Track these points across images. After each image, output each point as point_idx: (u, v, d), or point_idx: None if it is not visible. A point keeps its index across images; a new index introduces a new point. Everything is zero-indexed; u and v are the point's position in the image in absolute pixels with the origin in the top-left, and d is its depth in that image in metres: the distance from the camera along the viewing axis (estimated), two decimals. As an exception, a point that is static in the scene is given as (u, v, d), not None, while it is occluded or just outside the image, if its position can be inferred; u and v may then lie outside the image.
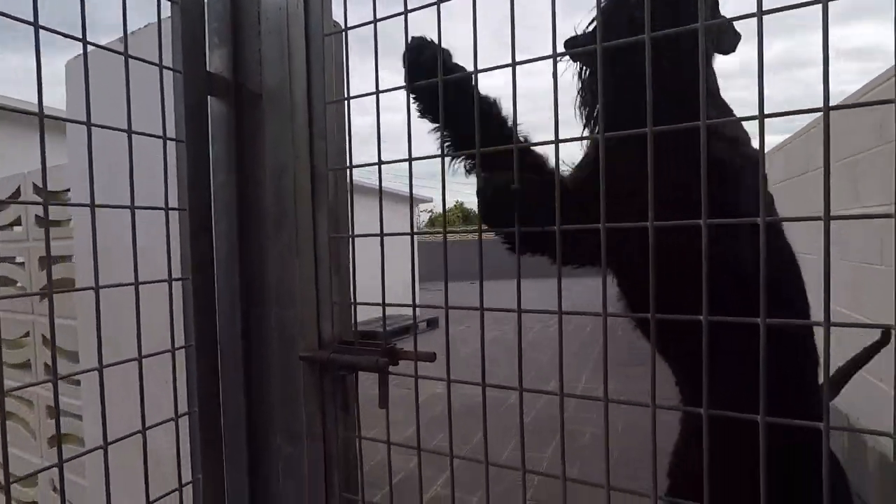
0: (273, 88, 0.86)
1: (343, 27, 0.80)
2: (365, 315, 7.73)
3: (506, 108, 1.13)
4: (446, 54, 1.00)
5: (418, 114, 1.10)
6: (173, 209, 0.77)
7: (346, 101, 0.82)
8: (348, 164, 0.83)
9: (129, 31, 0.70)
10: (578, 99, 1.22)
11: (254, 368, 0.90)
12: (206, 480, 0.84)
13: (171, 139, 0.79)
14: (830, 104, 0.46)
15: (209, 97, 0.87)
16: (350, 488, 0.88)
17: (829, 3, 0.47)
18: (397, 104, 0.85)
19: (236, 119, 0.88)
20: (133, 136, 0.70)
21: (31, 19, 0.57)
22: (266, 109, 0.86)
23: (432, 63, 0.91)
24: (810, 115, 3.21)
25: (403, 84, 0.82)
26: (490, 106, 1.14)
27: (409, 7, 0.70)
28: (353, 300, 0.85)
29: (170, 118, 0.79)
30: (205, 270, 0.82)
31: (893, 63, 2.00)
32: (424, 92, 1.04)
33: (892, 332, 1.19)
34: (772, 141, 4.07)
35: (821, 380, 1.20)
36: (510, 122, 0.98)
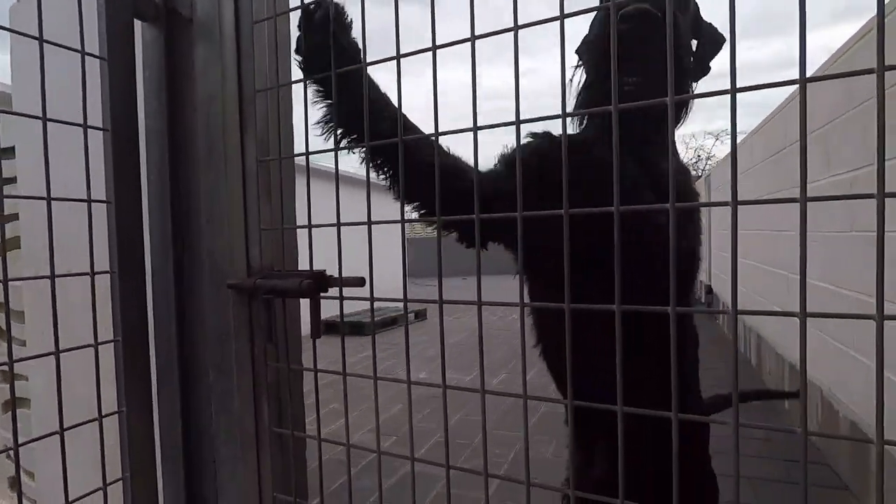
0: (203, 12, 0.84)
1: (271, -55, 0.78)
2: (351, 307, 7.71)
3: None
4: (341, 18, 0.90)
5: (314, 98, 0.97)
6: (93, 127, 0.75)
7: (274, 20, 0.80)
8: (276, 83, 0.81)
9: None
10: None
11: (185, 301, 0.88)
12: (132, 412, 0.82)
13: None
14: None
15: (140, 23, 0.85)
16: (283, 423, 0.86)
17: None
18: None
19: (167, 45, 0.86)
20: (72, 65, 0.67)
21: None
22: (196, 35, 0.84)
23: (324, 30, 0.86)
24: (785, 94, 3.19)
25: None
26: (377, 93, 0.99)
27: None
28: (281, 226, 0.82)
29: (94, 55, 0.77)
30: (129, 193, 0.80)
31: (859, 29, 2.00)
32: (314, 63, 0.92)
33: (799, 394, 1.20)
34: (751, 123, 4.08)
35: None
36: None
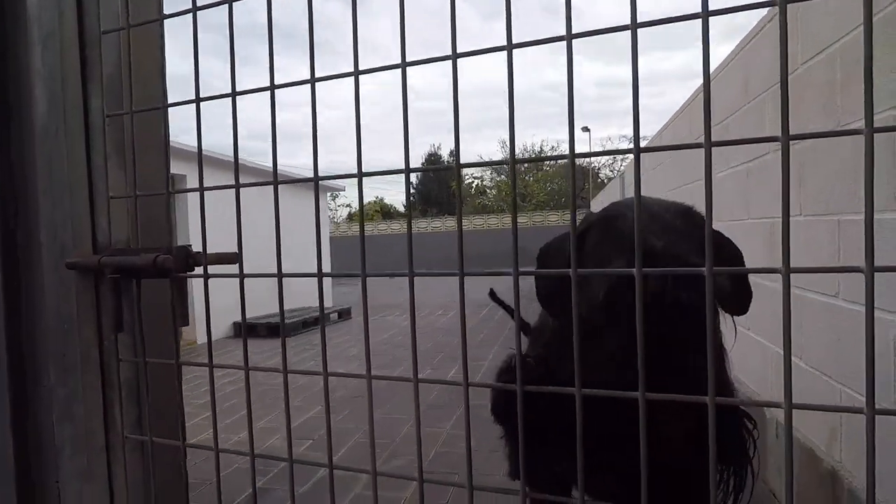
0: (36, -65, 0.69)
1: None
2: (271, 308, 7.35)
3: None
4: None
5: None
6: None
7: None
8: (128, 23, 0.67)
9: None
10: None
11: (20, 286, 0.72)
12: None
13: None
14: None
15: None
16: (141, 427, 0.73)
17: None
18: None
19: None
20: None
21: None
22: (29, -39, 0.69)
23: None
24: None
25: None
26: None
27: None
28: (134, 193, 0.69)
29: None
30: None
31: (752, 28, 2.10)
32: None
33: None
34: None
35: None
36: None
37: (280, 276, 0.59)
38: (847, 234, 1.48)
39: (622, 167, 7.66)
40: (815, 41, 1.60)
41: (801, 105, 1.69)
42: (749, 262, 2.18)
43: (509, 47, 0.47)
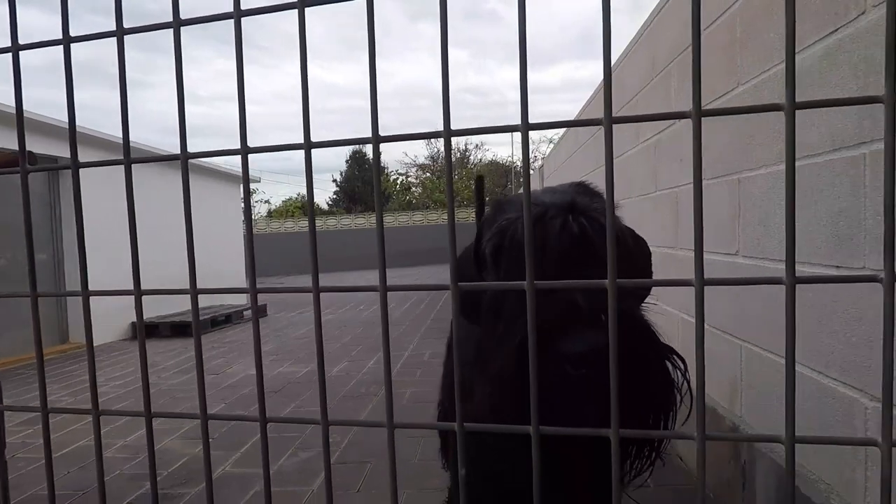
0: None
1: None
2: (176, 307, 6.82)
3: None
4: None
5: None
6: None
7: None
8: None
9: None
10: None
11: None
12: None
13: None
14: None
15: None
16: None
17: None
18: None
19: None
20: None
21: None
22: None
23: None
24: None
25: None
26: None
27: None
28: None
29: None
30: None
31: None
32: None
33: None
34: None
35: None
36: None
37: (139, 293, 0.44)
38: (745, 190, 1.51)
39: (541, 162, 7.87)
40: (717, 4, 1.63)
41: (705, 71, 1.72)
42: (657, 233, 2.23)
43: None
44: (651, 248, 1.10)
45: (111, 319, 5.85)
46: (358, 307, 7.83)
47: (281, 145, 0.46)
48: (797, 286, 0.34)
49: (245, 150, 0.46)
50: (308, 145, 0.45)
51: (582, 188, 1.00)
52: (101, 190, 3.90)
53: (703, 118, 0.35)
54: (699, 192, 0.35)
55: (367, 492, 2.03)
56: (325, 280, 14.02)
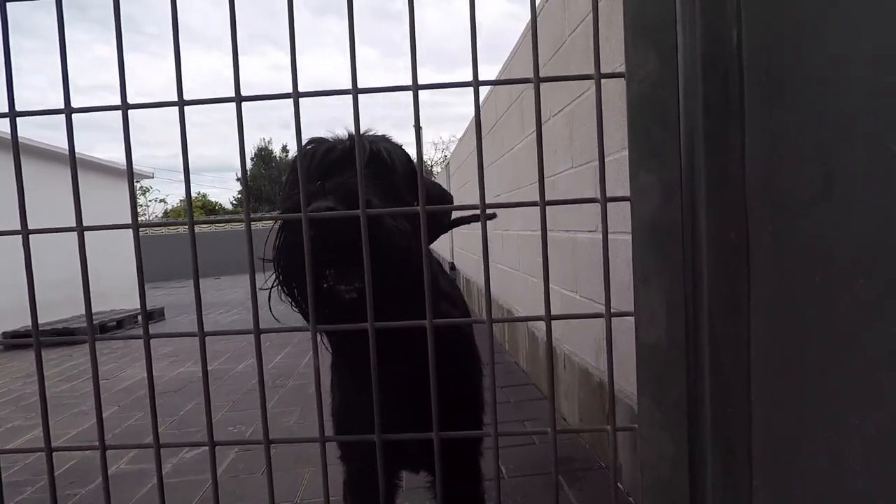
0: None
1: None
2: (60, 313, 6.24)
3: None
4: None
5: None
6: None
7: None
8: None
9: None
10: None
11: None
12: None
13: None
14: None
15: None
16: None
17: None
18: None
19: None
20: None
21: None
22: None
23: None
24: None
25: None
26: None
27: None
28: None
29: None
30: None
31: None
32: None
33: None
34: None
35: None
36: None
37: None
38: (608, 173, 1.74)
39: (448, 159, 8.13)
40: None
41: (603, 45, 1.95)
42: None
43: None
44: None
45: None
46: (243, 311, 7.63)
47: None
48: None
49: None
50: (239, 98, 0.52)
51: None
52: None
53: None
54: (540, 150, 0.49)
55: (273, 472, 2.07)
56: (223, 283, 13.39)
